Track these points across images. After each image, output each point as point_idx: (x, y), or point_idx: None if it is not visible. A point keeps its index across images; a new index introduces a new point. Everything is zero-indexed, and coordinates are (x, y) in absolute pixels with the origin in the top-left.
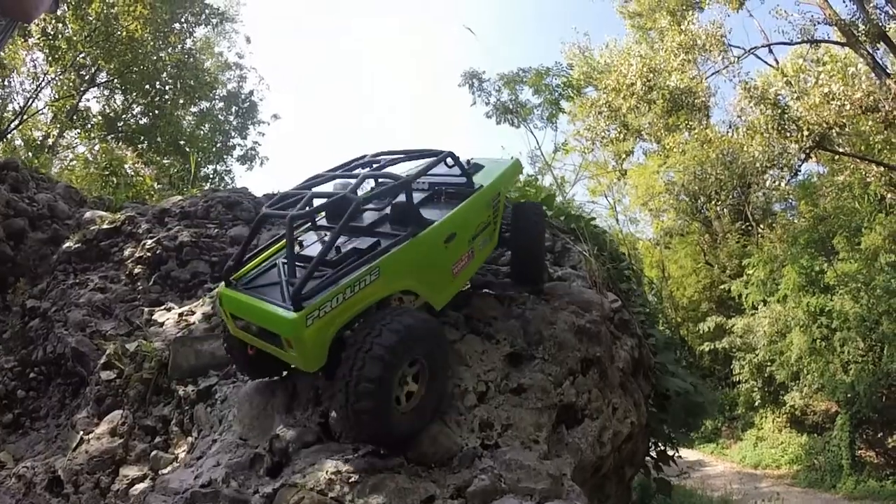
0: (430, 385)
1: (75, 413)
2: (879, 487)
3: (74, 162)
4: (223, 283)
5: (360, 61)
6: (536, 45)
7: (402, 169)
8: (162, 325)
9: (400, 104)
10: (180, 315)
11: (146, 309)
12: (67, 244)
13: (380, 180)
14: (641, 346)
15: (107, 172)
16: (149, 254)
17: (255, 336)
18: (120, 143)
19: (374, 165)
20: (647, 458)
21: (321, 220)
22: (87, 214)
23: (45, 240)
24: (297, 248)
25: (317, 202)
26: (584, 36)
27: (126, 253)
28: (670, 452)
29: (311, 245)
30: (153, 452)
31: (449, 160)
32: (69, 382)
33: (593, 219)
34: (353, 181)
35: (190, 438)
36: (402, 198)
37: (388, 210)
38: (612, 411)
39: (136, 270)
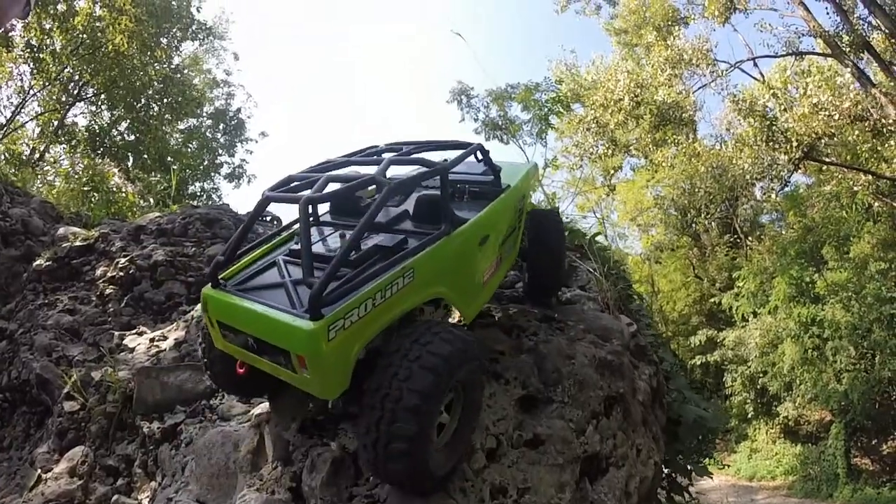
0: (463, 416)
1: (38, 446)
2: (876, 494)
3: (56, 177)
4: (209, 284)
5: (356, 70)
6: (525, 61)
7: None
8: (132, 350)
9: (393, 115)
10: (151, 340)
11: (116, 333)
12: (38, 262)
13: (407, 168)
14: (658, 374)
15: (88, 188)
16: (121, 273)
17: (249, 351)
18: (105, 159)
19: (394, 154)
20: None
21: (325, 215)
22: (61, 230)
23: (17, 256)
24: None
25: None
26: (572, 53)
27: (98, 272)
28: (683, 481)
29: (316, 243)
30: (114, 497)
31: (478, 154)
32: (34, 411)
33: (598, 234)
34: (368, 169)
35: (153, 483)
36: (425, 191)
37: (405, 206)
38: (636, 454)
39: (108, 291)
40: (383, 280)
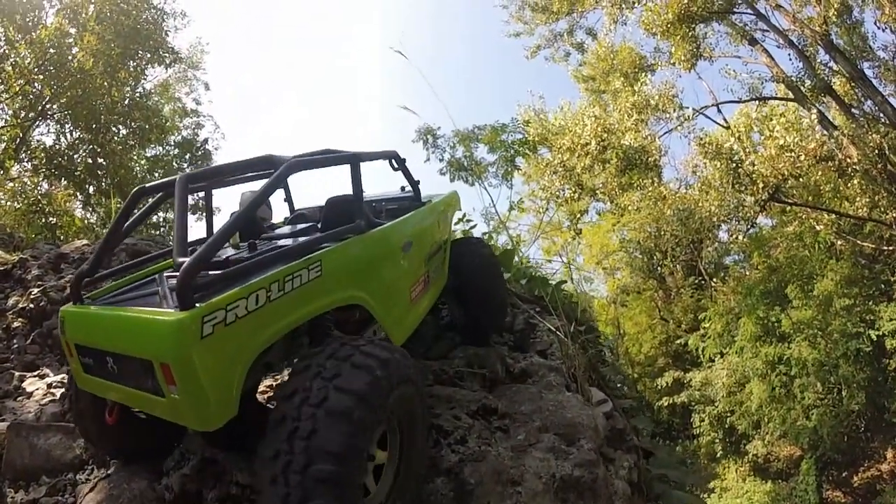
0: (403, 463)
1: None
2: None
3: (3, 193)
4: (70, 301)
5: (349, 80)
6: (494, 105)
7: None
8: (30, 395)
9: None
10: (49, 386)
11: (17, 374)
12: None
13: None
14: (639, 461)
15: (34, 210)
16: (32, 305)
17: (113, 381)
18: (62, 182)
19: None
20: None
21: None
22: None
23: None
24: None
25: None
26: (540, 98)
27: (10, 302)
28: None
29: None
30: None
31: (393, 162)
32: None
33: (563, 282)
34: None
35: None
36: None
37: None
38: None
39: (16, 324)
40: (282, 269)
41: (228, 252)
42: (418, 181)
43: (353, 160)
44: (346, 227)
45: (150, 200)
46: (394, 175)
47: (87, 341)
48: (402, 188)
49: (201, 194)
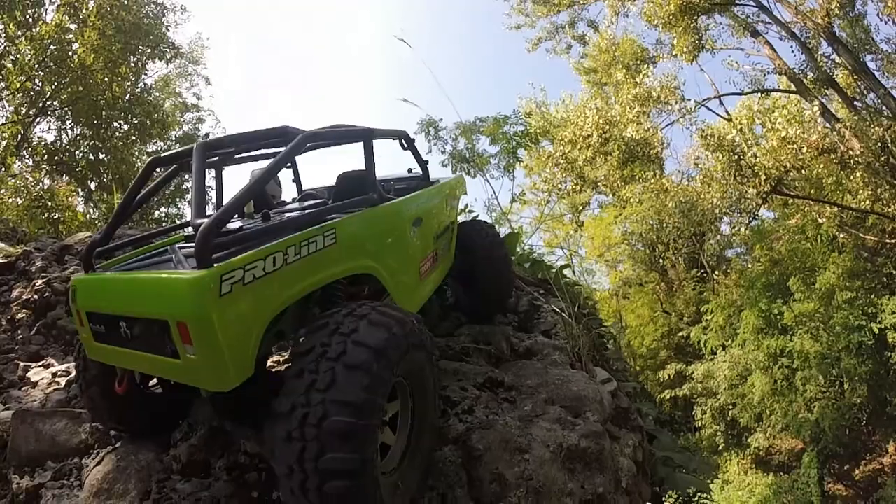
0: (415, 427)
1: None
2: None
3: (5, 189)
4: (83, 269)
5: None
6: (496, 98)
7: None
8: (35, 385)
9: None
10: (54, 375)
11: (22, 364)
12: None
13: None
14: (643, 440)
15: (36, 205)
16: (36, 297)
17: (125, 347)
18: (64, 177)
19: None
20: None
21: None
22: None
23: None
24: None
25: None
26: (541, 91)
27: (14, 293)
28: None
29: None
30: None
31: (403, 141)
32: None
33: (566, 266)
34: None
35: None
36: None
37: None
38: None
39: (20, 315)
40: (298, 235)
41: (240, 224)
42: (427, 161)
43: (366, 136)
44: (358, 199)
45: (164, 172)
46: (399, 159)
47: (99, 308)
48: (409, 170)
49: (211, 173)
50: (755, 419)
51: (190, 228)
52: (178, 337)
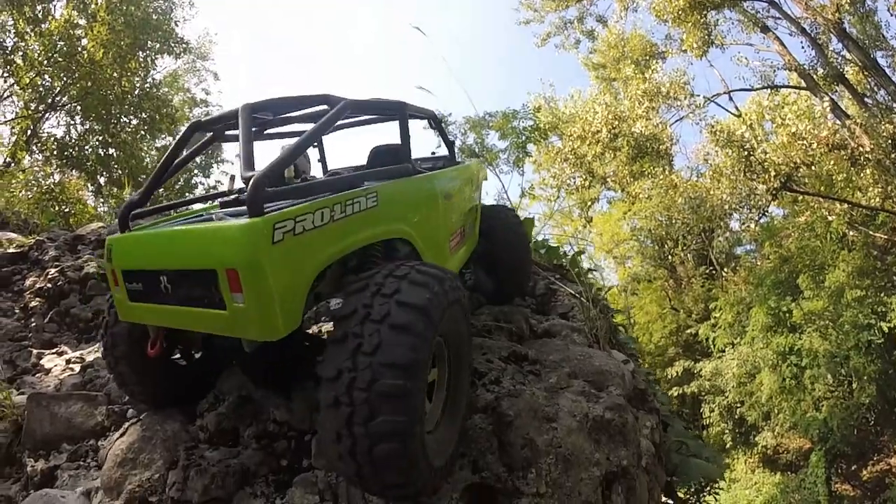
0: (452, 381)
1: None
2: None
3: (16, 183)
4: (119, 230)
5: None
6: (504, 93)
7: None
8: (48, 372)
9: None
10: (68, 362)
11: (35, 351)
12: None
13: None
14: (659, 424)
15: (47, 197)
16: (49, 285)
17: (165, 303)
18: (73, 171)
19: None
20: None
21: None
22: None
23: None
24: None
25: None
26: (550, 86)
27: (28, 282)
28: None
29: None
30: None
31: (432, 122)
32: None
33: (581, 252)
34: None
35: None
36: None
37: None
38: None
39: (34, 304)
40: (344, 194)
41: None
42: (453, 141)
43: (402, 109)
44: (395, 167)
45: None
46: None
47: (137, 265)
48: (433, 153)
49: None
50: (763, 417)
51: (227, 197)
52: (227, 286)
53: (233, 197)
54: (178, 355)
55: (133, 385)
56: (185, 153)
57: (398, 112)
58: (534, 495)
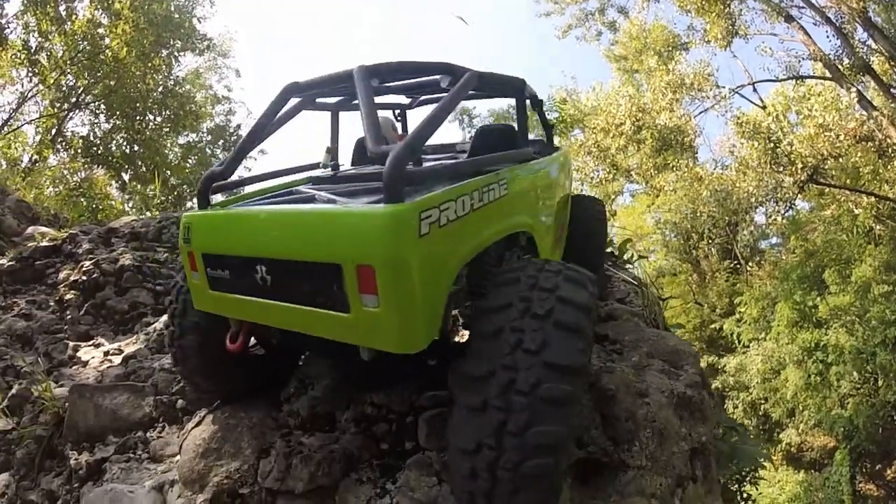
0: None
1: None
2: None
3: (45, 179)
4: (198, 207)
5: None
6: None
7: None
8: (85, 364)
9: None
10: (106, 354)
11: (71, 343)
12: (1, 261)
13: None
14: (714, 408)
15: (75, 193)
16: (84, 278)
17: (258, 297)
18: (99, 168)
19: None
20: None
21: (339, 171)
22: (29, 230)
23: None
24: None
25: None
26: (572, 79)
27: (62, 275)
28: None
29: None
30: None
31: (531, 102)
32: None
33: (628, 241)
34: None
35: None
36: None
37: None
38: None
39: (69, 296)
40: (480, 179)
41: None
42: (553, 125)
43: (523, 87)
44: (514, 152)
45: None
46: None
47: (225, 249)
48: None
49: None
50: (788, 414)
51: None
52: (355, 285)
53: (330, 173)
54: (254, 344)
55: (201, 378)
56: (276, 118)
57: (518, 90)
58: (637, 468)
